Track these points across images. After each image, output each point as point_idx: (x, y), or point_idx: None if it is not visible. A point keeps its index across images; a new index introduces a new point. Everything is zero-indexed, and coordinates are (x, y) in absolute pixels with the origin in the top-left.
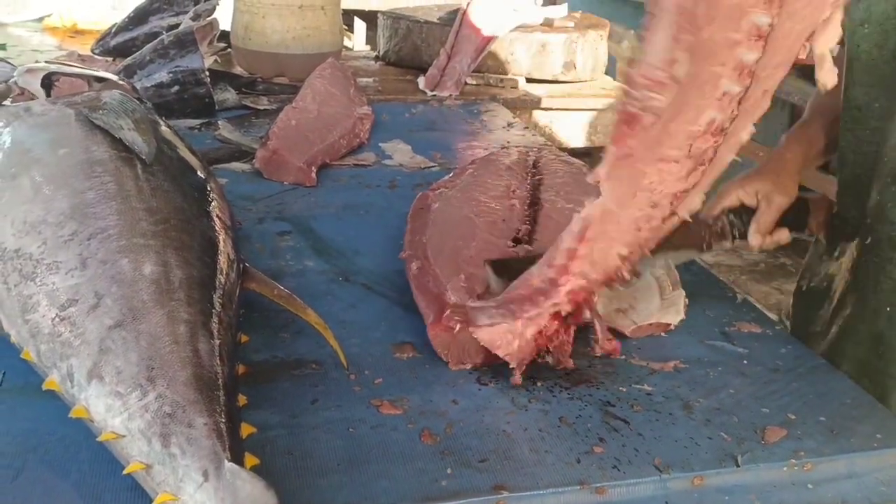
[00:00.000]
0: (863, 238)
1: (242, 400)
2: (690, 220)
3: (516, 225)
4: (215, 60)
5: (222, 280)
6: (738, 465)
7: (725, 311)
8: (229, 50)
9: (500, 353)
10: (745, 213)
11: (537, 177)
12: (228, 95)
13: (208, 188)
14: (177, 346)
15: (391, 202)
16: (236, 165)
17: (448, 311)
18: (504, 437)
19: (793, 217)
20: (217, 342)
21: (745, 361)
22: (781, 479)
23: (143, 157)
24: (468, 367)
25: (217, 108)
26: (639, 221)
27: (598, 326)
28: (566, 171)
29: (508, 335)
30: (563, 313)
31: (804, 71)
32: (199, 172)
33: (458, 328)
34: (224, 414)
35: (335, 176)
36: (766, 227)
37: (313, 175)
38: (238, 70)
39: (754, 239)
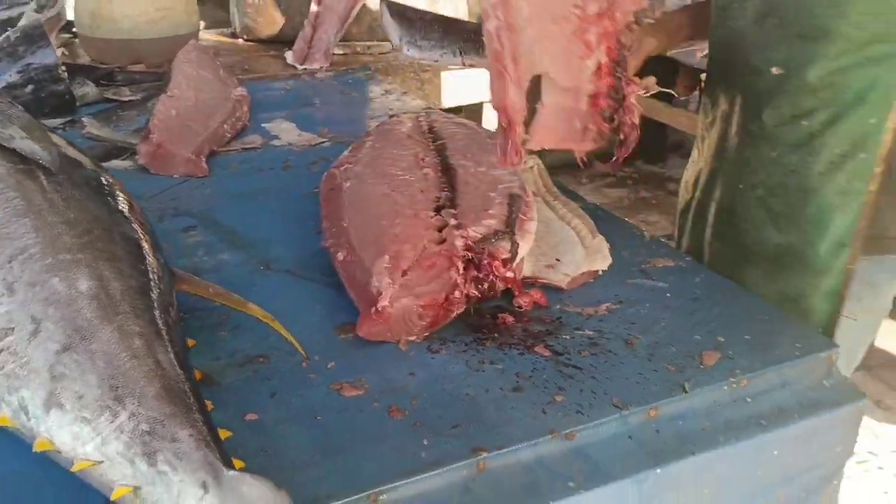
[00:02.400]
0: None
1: (209, 405)
2: None
3: (435, 193)
4: (63, 53)
5: (160, 286)
6: (686, 392)
7: (638, 250)
8: (76, 40)
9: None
10: None
11: (439, 141)
12: (88, 90)
13: (115, 190)
14: (137, 361)
15: (289, 183)
16: (116, 163)
17: (372, 311)
18: (469, 400)
19: (662, 75)
20: (173, 351)
21: (668, 295)
22: (723, 398)
23: (47, 166)
24: (417, 339)
25: (78, 104)
26: None
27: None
28: (463, 133)
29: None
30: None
31: None
32: (101, 175)
33: (386, 316)
34: (204, 422)
35: (225, 163)
36: (633, 69)
37: (204, 164)
38: (85, 60)
39: None
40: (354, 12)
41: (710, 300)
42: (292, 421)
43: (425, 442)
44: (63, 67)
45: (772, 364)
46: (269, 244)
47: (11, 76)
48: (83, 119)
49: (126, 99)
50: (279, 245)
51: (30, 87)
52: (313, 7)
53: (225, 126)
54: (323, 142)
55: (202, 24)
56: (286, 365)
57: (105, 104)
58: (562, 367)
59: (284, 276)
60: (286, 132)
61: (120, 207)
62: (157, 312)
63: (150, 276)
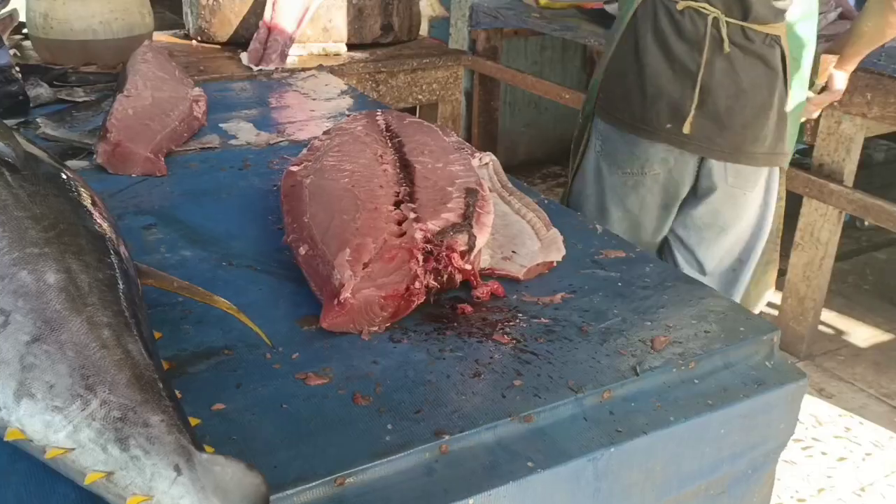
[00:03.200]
0: None
1: (178, 394)
2: None
3: (395, 188)
4: (14, 54)
5: (126, 279)
6: (637, 375)
7: (591, 241)
8: (27, 41)
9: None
10: None
11: (396, 139)
12: (42, 90)
13: (78, 186)
14: (107, 351)
15: (250, 181)
16: (73, 163)
17: (335, 303)
18: (431, 386)
19: None
20: (142, 341)
21: (620, 284)
22: (673, 380)
23: (12, 162)
24: (379, 330)
25: (31, 105)
26: None
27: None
28: (420, 131)
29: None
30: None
31: (593, 15)
32: (63, 170)
33: (348, 308)
34: (175, 409)
35: (184, 162)
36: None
37: (163, 164)
38: (37, 62)
39: None
40: (309, 14)
41: (659, 288)
42: (259, 410)
43: (389, 426)
44: (17, 68)
45: (717, 347)
46: (230, 241)
47: None
48: (38, 120)
49: (80, 100)
50: (240, 241)
51: None
52: (268, 9)
53: (182, 125)
54: (281, 141)
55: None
56: (251, 356)
57: (59, 105)
58: (519, 353)
59: (247, 271)
60: (244, 132)
61: (84, 203)
62: (124, 304)
63: (117, 269)
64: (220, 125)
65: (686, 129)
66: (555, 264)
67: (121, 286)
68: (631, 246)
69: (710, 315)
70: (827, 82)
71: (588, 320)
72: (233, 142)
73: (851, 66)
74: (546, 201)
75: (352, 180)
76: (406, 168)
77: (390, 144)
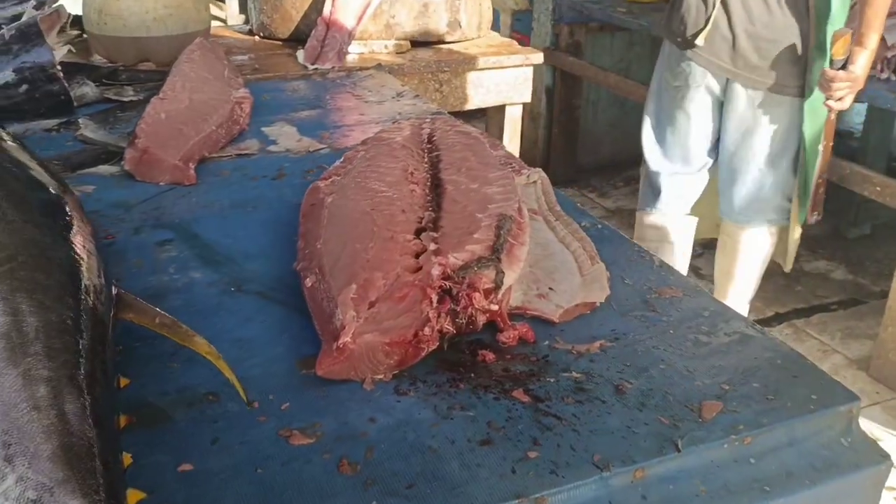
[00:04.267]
0: None
1: (127, 459)
2: None
3: (418, 213)
4: (69, 51)
5: (91, 318)
6: (679, 451)
7: (644, 276)
8: (84, 37)
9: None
10: None
11: (435, 153)
12: (87, 90)
13: (64, 207)
14: (37, 413)
15: (280, 193)
16: (104, 169)
17: (333, 348)
18: (430, 454)
19: None
20: (88, 399)
21: (672, 331)
22: (723, 458)
23: None
24: (384, 378)
25: (76, 104)
26: None
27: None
28: (463, 143)
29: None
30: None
31: None
32: (50, 189)
33: (347, 354)
34: (103, 488)
35: (216, 170)
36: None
37: (192, 172)
38: (97, 59)
39: None
40: (371, 10)
41: (717, 338)
42: (230, 473)
43: None
44: (58, 66)
45: (781, 419)
46: (245, 261)
47: (7, 75)
48: (80, 120)
49: (127, 99)
50: (256, 262)
51: (24, 87)
52: (327, 4)
53: (220, 130)
54: (322, 148)
55: (228, 16)
56: (236, 405)
57: (106, 104)
58: (541, 416)
59: (254, 299)
60: (285, 137)
61: (62, 228)
62: (78, 352)
63: (82, 307)
64: (263, 129)
65: (700, 41)
66: (597, 304)
67: (80, 329)
68: (689, 284)
69: (776, 376)
70: (847, 59)
71: (627, 377)
72: (272, 147)
73: (870, 43)
74: (600, 226)
75: (373, 202)
76: (436, 188)
77: (427, 159)
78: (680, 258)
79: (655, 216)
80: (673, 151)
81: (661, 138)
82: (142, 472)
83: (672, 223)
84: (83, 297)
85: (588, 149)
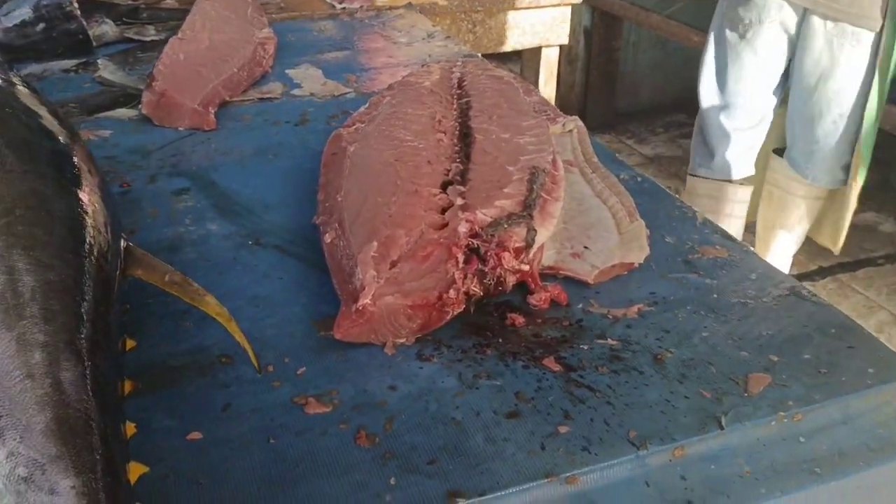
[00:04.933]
0: None
1: (131, 429)
2: None
3: (445, 165)
4: None
5: (94, 277)
6: (722, 428)
7: (686, 234)
8: None
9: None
10: None
11: (464, 99)
12: (107, 28)
13: (71, 157)
14: (31, 382)
15: (303, 140)
16: (121, 112)
17: (352, 310)
18: (454, 426)
19: None
20: (88, 365)
21: (715, 295)
22: (770, 436)
23: None
24: (407, 342)
25: (95, 44)
26: None
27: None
28: (495, 89)
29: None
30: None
31: None
32: (57, 137)
33: (367, 316)
34: (100, 465)
35: (237, 115)
36: None
37: (211, 117)
38: None
39: None
40: None
41: (765, 303)
42: (240, 443)
43: (392, 481)
44: (76, 4)
45: (835, 395)
46: (264, 212)
47: (24, 13)
48: (98, 61)
49: (148, 39)
50: (276, 213)
51: (41, 26)
52: None
53: (241, 72)
54: (347, 92)
55: None
56: (250, 369)
57: (126, 44)
58: (573, 386)
59: (272, 253)
60: (310, 80)
61: (66, 179)
62: (78, 313)
63: (85, 264)
64: (287, 71)
65: None
66: (635, 265)
67: (81, 288)
68: (735, 243)
69: (829, 346)
70: None
71: (667, 345)
72: (295, 91)
73: None
74: (639, 179)
75: (397, 152)
76: (465, 138)
77: (456, 105)
78: (736, 230)
79: (711, 185)
80: (734, 100)
81: (721, 84)
82: (147, 440)
83: (729, 194)
84: (86, 253)
85: (626, 93)
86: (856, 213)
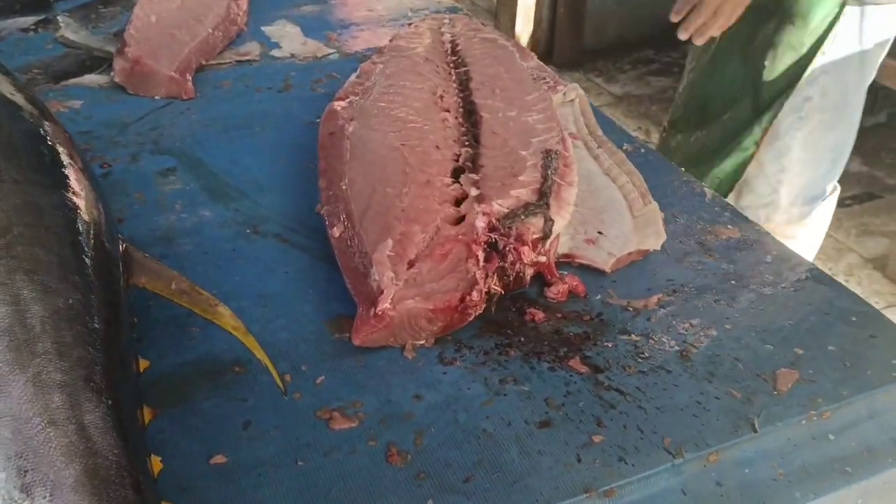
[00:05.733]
0: None
1: (157, 464)
2: None
3: (454, 149)
4: None
5: (102, 296)
6: (755, 431)
7: (696, 212)
8: None
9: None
10: None
11: (462, 69)
12: None
13: (58, 150)
14: (54, 430)
15: (289, 109)
16: (91, 79)
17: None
18: (486, 439)
19: None
20: (109, 402)
21: (733, 281)
22: (801, 436)
23: None
24: (426, 344)
25: None
26: None
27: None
28: (492, 55)
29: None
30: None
31: None
32: (41, 129)
33: (387, 322)
34: None
35: (215, 80)
36: None
37: (189, 85)
38: None
39: None
40: None
41: (784, 288)
42: (268, 466)
43: (430, 503)
44: None
45: (862, 390)
46: (258, 195)
47: None
48: (58, 18)
49: None
50: (270, 196)
51: None
52: None
53: (216, 33)
54: (330, 53)
55: None
56: (266, 377)
57: None
58: (602, 390)
59: (273, 243)
60: (288, 38)
61: (58, 181)
62: (92, 342)
63: (89, 283)
64: (263, 28)
65: None
66: (650, 251)
67: (91, 311)
68: (746, 221)
69: (852, 336)
70: None
71: (691, 340)
72: (275, 52)
73: None
74: (643, 150)
75: (402, 135)
76: (471, 116)
77: (454, 76)
78: None
79: None
80: None
81: None
82: (169, 467)
83: None
84: (91, 271)
85: (595, 28)
86: None
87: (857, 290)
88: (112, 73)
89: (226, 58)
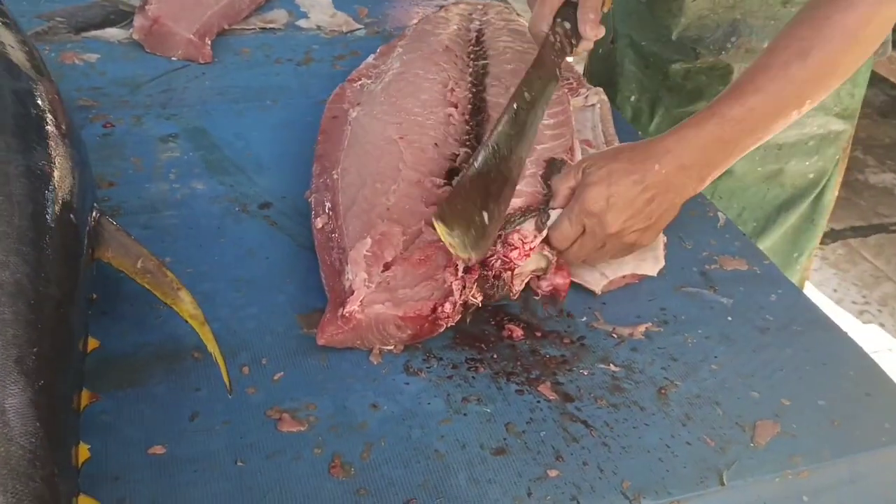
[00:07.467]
0: None
1: (84, 453)
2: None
3: (453, 148)
4: None
5: (57, 271)
6: (723, 484)
7: (705, 239)
8: None
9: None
10: (569, 11)
11: (481, 62)
12: None
13: (36, 105)
14: None
15: (305, 85)
16: (112, 33)
17: (338, 314)
18: (437, 460)
19: None
20: (40, 385)
21: (730, 318)
22: (772, 494)
23: None
24: (395, 351)
25: None
26: None
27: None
28: (516, 50)
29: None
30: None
31: None
32: (22, 78)
33: (353, 324)
34: None
35: (236, 46)
36: (596, 8)
37: (207, 49)
38: None
39: (589, 28)
40: None
41: (783, 332)
42: (206, 462)
43: None
44: None
45: (846, 452)
46: (256, 173)
47: None
48: None
49: None
50: (268, 175)
51: None
52: None
53: None
54: (357, 28)
55: None
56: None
57: None
58: (568, 420)
59: (260, 225)
60: (318, 9)
61: (34, 146)
62: (32, 320)
63: (45, 256)
64: None
65: None
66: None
67: (39, 288)
68: (757, 253)
69: (846, 392)
70: None
71: (673, 377)
72: (301, 22)
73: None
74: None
75: (403, 127)
76: (478, 114)
77: (471, 69)
78: None
79: None
80: None
81: None
82: (107, 451)
83: None
84: (48, 242)
85: None
86: (875, 172)
87: (889, 322)
88: (131, 30)
89: (250, 23)
